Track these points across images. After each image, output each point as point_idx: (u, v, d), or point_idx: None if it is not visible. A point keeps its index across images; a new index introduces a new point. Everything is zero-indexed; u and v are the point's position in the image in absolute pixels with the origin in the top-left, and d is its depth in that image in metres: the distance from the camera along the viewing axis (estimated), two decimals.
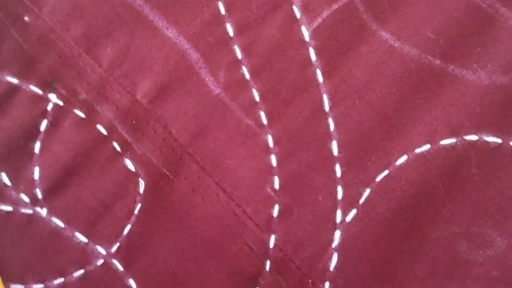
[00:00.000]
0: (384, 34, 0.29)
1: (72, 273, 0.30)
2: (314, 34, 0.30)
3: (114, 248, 0.30)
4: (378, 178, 0.29)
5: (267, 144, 0.29)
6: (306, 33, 0.30)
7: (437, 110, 0.29)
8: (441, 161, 0.29)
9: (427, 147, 0.29)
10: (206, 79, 0.30)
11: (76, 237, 0.30)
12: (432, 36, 0.29)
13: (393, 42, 0.29)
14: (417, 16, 0.29)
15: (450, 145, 0.29)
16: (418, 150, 0.29)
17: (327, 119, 0.29)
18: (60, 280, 0.30)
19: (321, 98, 0.29)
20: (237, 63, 0.30)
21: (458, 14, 0.29)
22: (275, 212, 0.29)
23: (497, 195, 0.28)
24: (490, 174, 0.29)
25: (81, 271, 0.30)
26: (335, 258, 0.29)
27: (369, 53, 0.29)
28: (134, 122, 0.30)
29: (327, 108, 0.29)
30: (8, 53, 0.30)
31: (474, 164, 0.29)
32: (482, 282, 0.29)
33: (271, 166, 0.29)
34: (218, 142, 0.30)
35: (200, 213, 0.30)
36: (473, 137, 0.29)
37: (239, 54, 0.30)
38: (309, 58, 0.30)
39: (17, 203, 0.30)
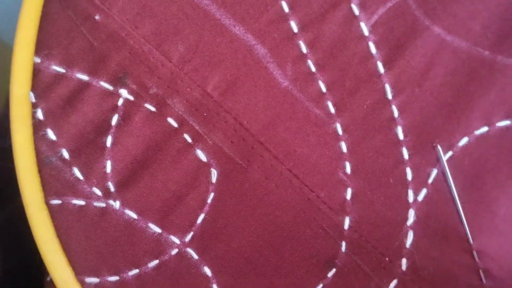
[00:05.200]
0: (436, 29, 0.32)
1: (147, 263, 0.30)
2: (372, 29, 0.32)
3: (188, 237, 0.31)
4: (444, 159, 0.31)
5: (337, 131, 0.31)
6: (365, 29, 0.32)
7: (490, 95, 0.31)
8: (500, 141, 0.31)
9: (485, 129, 0.31)
10: (274, 73, 0.31)
11: (149, 228, 0.31)
12: (480, 30, 0.32)
13: (444, 36, 0.31)
14: (465, 12, 0.32)
15: (506, 126, 0.31)
16: (477, 132, 0.31)
17: (391, 106, 0.31)
18: (135, 271, 0.30)
19: (384, 87, 0.31)
20: (302, 57, 0.31)
21: (500, 10, 0.32)
22: (348, 195, 0.31)
23: None
24: None
25: (156, 261, 0.30)
26: (410, 235, 0.30)
27: (424, 46, 0.31)
28: (205, 114, 0.31)
29: (390, 97, 0.31)
30: (79, 51, 0.31)
31: None
32: None
33: (341, 152, 0.31)
34: (289, 132, 0.31)
35: (274, 199, 0.31)
36: None
37: (304, 49, 0.31)
38: (369, 51, 0.31)
39: (89, 197, 0.31)
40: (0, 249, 0.38)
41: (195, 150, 0.31)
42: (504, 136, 0.31)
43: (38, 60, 0.31)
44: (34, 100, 0.31)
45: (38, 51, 0.31)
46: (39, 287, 0.36)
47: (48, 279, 0.34)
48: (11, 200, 0.32)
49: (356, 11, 0.32)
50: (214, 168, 0.31)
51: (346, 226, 0.30)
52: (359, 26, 0.32)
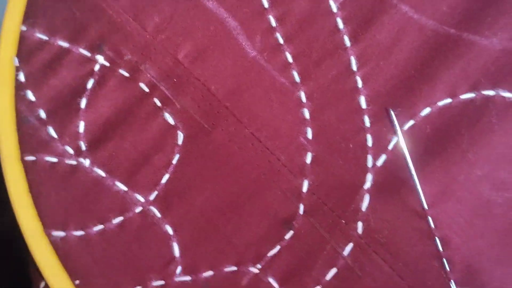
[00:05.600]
0: (404, 7, 0.32)
1: (111, 220, 0.31)
2: (341, 6, 0.33)
3: (152, 196, 0.32)
4: (405, 127, 0.31)
5: (300, 99, 0.32)
6: (333, 5, 0.33)
7: (455, 69, 0.32)
8: (463, 111, 0.31)
9: (448, 100, 0.31)
10: (243, 44, 0.33)
11: (116, 186, 0.32)
12: (447, 10, 0.32)
13: (412, 14, 0.32)
14: None
15: (470, 98, 0.31)
16: (440, 103, 0.31)
17: (355, 77, 0.32)
18: (99, 227, 0.31)
19: (349, 59, 0.32)
20: (271, 30, 0.33)
21: None
22: (308, 159, 0.31)
23: None
24: (508, 124, 0.31)
25: (120, 218, 0.31)
26: (366, 199, 0.31)
27: (391, 22, 0.32)
28: (175, 80, 0.32)
29: (354, 68, 0.32)
30: (62, 20, 0.33)
31: (493, 115, 0.31)
32: (501, 220, 0.30)
33: (304, 119, 0.32)
34: (254, 98, 0.32)
35: (236, 161, 0.32)
36: (490, 92, 0.31)
37: (273, 23, 0.33)
38: (336, 26, 0.33)
39: (62, 154, 0.32)
40: None
41: (163, 114, 0.32)
42: (468, 107, 0.31)
43: (24, 28, 0.33)
44: (17, 64, 0.33)
45: (25, 20, 0.34)
46: None
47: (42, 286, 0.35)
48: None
49: None
50: (181, 131, 0.32)
51: (304, 189, 0.31)
52: (328, 3, 0.33)
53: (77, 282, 0.31)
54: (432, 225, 0.30)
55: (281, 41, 0.33)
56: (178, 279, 0.31)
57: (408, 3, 0.32)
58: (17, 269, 0.37)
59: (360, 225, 0.30)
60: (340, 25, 0.33)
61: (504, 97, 0.31)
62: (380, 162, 0.31)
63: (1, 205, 0.34)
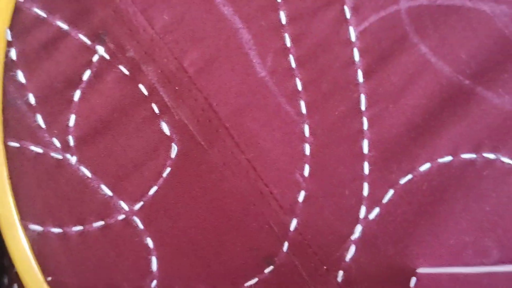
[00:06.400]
0: (423, 48, 0.31)
1: (92, 223, 0.31)
2: (360, 36, 0.31)
3: (137, 206, 0.31)
4: (402, 181, 0.31)
5: (303, 133, 0.31)
6: (353, 34, 0.31)
7: (462, 126, 0.31)
8: (462, 173, 0.31)
9: (449, 158, 0.31)
10: (254, 61, 0.31)
11: (101, 189, 0.31)
12: (465, 58, 0.31)
13: (430, 57, 0.31)
14: (455, 37, 0.31)
15: (470, 159, 0.31)
16: (440, 160, 0.31)
17: (361, 117, 0.31)
18: (79, 227, 0.31)
19: (359, 97, 0.31)
20: (285, 50, 0.31)
21: (490, 42, 0.31)
22: (301, 198, 0.31)
23: (505, 212, 0.31)
24: (503, 192, 0.31)
25: (101, 223, 0.31)
26: (352, 250, 0.31)
27: (408, 63, 0.31)
28: (176, 88, 0.31)
29: (363, 107, 0.31)
30: None
31: (491, 182, 0.31)
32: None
33: (304, 154, 0.31)
34: (256, 122, 0.31)
35: (227, 186, 0.31)
36: (491, 155, 0.31)
37: (288, 42, 0.31)
38: (352, 57, 0.31)
39: (48, 146, 0.31)
40: None
41: (160, 122, 0.31)
42: (467, 170, 0.31)
43: None
44: (10, 39, 0.31)
45: None
46: None
47: None
48: None
49: (348, 14, 0.31)
50: (175, 143, 0.31)
51: (292, 227, 0.31)
52: (347, 30, 0.31)
53: (49, 278, 0.31)
54: (412, 286, 0.30)
55: (293, 64, 0.31)
56: None
57: (429, 44, 0.31)
58: None
59: (341, 273, 0.31)
60: (356, 57, 0.31)
61: (503, 162, 0.31)
62: (372, 215, 0.31)
63: None
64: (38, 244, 0.31)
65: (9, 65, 0.31)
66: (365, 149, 0.31)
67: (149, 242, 0.31)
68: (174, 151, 0.31)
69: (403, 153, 0.31)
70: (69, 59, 0.31)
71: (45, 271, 0.31)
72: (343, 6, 0.31)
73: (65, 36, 0.31)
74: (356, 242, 0.31)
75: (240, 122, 0.31)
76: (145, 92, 0.31)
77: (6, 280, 0.35)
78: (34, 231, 0.31)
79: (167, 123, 0.31)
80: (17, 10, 0.31)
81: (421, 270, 0.30)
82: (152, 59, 0.31)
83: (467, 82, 0.31)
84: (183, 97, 0.31)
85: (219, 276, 0.31)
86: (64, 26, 0.31)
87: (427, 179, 0.31)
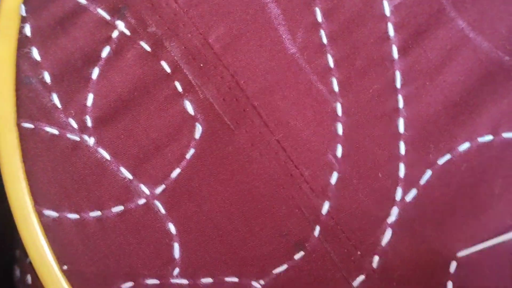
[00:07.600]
0: (461, 23, 0.29)
1: (110, 208, 0.29)
2: (395, 10, 0.29)
3: (159, 190, 0.29)
4: (440, 161, 0.29)
5: (336, 111, 0.29)
6: (387, 8, 0.29)
7: (503, 103, 0.29)
8: (502, 153, 0.29)
9: (489, 137, 0.29)
10: (283, 37, 0.29)
11: (121, 172, 0.29)
12: (505, 33, 0.29)
13: (468, 32, 0.29)
14: (494, 11, 0.29)
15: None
16: (480, 139, 0.29)
17: (397, 95, 0.29)
18: (97, 213, 0.29)
19: (394, 74, 0.29)
20: (316, 25, 0.29)
21: None
22: (333, 180, 0.29)
23: None
24: None
25: (121, 207, 0.29)
26: (388, 234, 0.29)
27: (445, 38, 0.29)
28: (201, 65, 0.29)
29: (398, 85, 0.29)
30: None
31: None
32: None
33: (336, 134, 0.29)
34: (286, 101, 0.29)
35: (255, 168, 0.29)
36: None
37: (319, 17, 0.29)
38: (387, 32, 0.29)
39: (64, 127, 0.29)
40: None
41: (183, 101, 0.29)
42: (507, 149, 0.29)
43: None
44: (24, 14, 0.29)
45: None
46: None
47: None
48: None
49: None
50: (200, 124, 0.29)
51: (324, 211, 0.29)
52: (381, 4, 0.30)
53: (65, 267, 0.29)
54: (452, 271, 0.28)
55: (324, 40, 0.29)
56: (174, 281, 0.29)
57: (467, 19, 0.29)
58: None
59: (376, 259, 0.29)
60: (391, 32, 0.29)
61: None
62: (409, 197, 0.29)
63: None
64: (53, 231, 0.29)
65: (23, 42, 0.29)
66: (401, 129, 0.29)
67: (171, 227, 0.29)
68: (198, 131, 0.29)
69: (440, 132, 0.29)
70: (87, 35, 0.29)
71: (60, 260, 0.29)
72: None
73: (83, 11, 0.29)
74: (392, 225, 0.29)
75: (269, 100, 0.29)
76: (168, 70, 0.29)
77: (18, 272, 0.33)
78: (48, 217, 0.29)
79: (191, 102, 0.29)
80: None
81: (461, 254, 0.28)
82: (176, 35, 0.29)
83: (507, 58, 0.29)
84: (208, 75, 0.29)
85: (246, 263, 0.29)
86: (82, 1, 0.29)
87: (466, 159, 0.29)
